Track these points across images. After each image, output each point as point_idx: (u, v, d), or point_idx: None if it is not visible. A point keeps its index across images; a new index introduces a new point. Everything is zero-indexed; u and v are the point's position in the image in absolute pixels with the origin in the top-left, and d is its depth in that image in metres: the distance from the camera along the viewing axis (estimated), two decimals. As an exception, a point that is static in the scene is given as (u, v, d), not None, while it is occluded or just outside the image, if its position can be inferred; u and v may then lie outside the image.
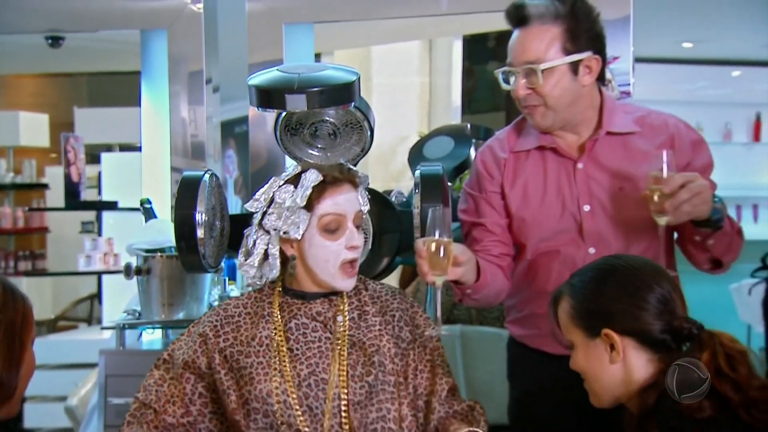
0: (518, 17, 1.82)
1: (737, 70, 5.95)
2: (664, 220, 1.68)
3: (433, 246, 1.61)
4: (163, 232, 2.63)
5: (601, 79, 1.90)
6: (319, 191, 1.62)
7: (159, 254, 2.58)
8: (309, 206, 1.62)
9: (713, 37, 5.02)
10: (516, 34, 1.84)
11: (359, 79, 1.87)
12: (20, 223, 6.49)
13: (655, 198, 1.66)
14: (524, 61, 1.80)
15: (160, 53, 3.16)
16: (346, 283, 1.66)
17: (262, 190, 1.69)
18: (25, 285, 5.76)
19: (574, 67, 1.81)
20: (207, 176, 1.94)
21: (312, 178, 1.63)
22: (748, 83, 6.03)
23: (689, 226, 1.77)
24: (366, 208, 1.72)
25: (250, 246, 1.68)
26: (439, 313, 1.65)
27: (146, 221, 2.80)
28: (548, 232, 1.89)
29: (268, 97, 1.84)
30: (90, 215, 6.22)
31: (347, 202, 1.65)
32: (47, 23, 3.54)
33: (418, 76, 5.69)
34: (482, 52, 5.72)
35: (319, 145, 2.07)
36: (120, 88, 6.78)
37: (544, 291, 1.90)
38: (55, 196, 6.33)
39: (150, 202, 2.85)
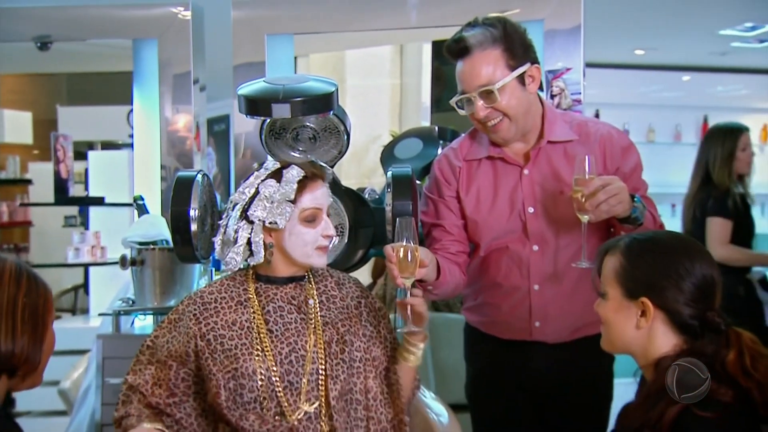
0: (459, 49, 1.95)
1: (687, 75, 6.00)
2: (586, 218, 1.81)
3: (402, 252, 1.72)
4: (155, 226, 2.74)
5: (541, 87, 2.03)
6: (300, 187, 1.77)
7: (152, 247, 2.68)
8: (293, 200, 1.76)
9: (663, 45, 5.09)
10: (461, 64, 1.95)
11: (337, 90, 1.98)
12: (5, 217, 6.52)
13: (578, 198, 1.80)
14: (478, 85, 1.93)
15: (150, 60, 3.26)
16: (322, 260, 1.81)
17: (246, 183, 1.81)
18: (9, 277, 5.78)
19: (521, 79, 1.95)
20: (200, 176, 2.05)
21: (295, 174, 1.77)
22: (697, 87, 6.07)
23: (616, 223, 1.91)
24: (331, 200, 1.86)
25: (232, 236, 1.78)
26: (410, 311, 1.75)
27: (139, 216, 2.89)
28: (498, 231, 2.02)
29: (256, 105, 1.94)
30: (73, 210, 6.27)
31: (323, 196, 1.80)
32: (38, 31, 3.54)
33: (389, 78, 5.72)
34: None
35: (300, 148, 2.17)
36: (100, 87, 6.78)
37: (494, 283, 2.07)
38: (39, 191, 6.36)
39: (143, 199, 2.93)
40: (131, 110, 5.43)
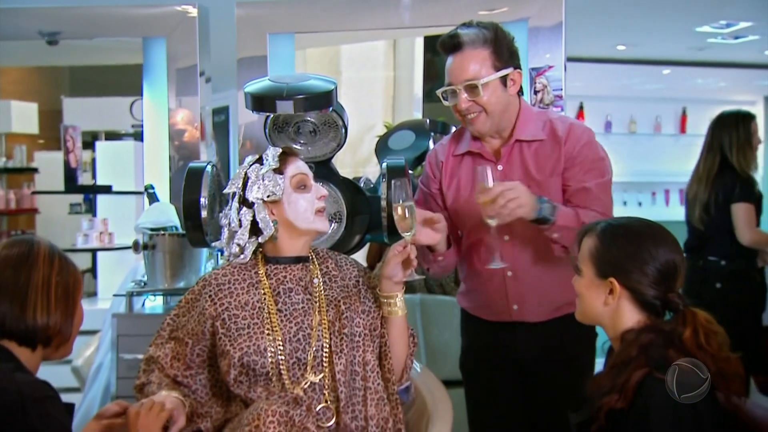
0: (453, 45, 2.06)
1: (667, 69, 6.02)
2: (493, 222, 1.91)
3: (399, 210, 1.85)
4: (165, 213, 2.86)
5: (521, 91, 2.15)
6: (282, 160, 1.90)
7: (162, 232, 2.80)
8: (280, 171, 1.89)
9: (643, 41, 5.15)
10: (451, 59, 2.07)
11: (336, 87, 2.10)
12: (12, 204, 6.61)
13: (482, 204, 1.90)
14: (464, 79, 2.04)
15: (159, 56, 3.35)
16: (324, 223, 1.92)
17: (235, 174, 1.94)
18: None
19: (503, 80, 2.07)
20: (209, 167, 2.17)
21: (272, 151, 1.92)
22: (677, 81, 6.11)
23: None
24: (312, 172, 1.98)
25: (235, 224, 1.89)
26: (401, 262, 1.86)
27: (150, 204, 3.00)
28: (474, 222, 2.12)
29: (261, 102, 2.07)
30: (78, 198, 6.34)
31: (303, 166, 1.94)
32: (48, 28, 3.54)
33: (383, 70, 5.72)
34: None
35: (302, 141, 2.29)
36: (102, 78, 6.81)
37: (475, 271, 2.19)
38: (45, 179, 6.44)
39: (153, 188, 3.04)
40: (134, 101, 5.55)
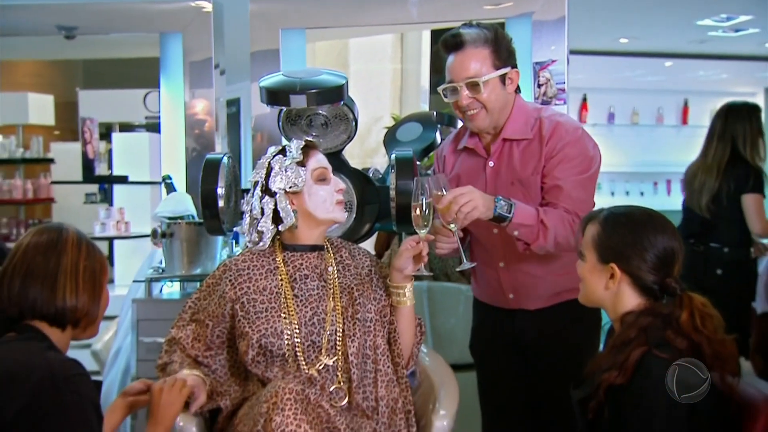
0: (455, 43, 2.11)
1: (669, 61, 6.04)
2: (453, 227, 1.96)
3: (417, 209, 1.89)
4: (182, 202, 2.92)
5: (518, 90, 2.21)
6: (305, 153, 1.98)
7: (180, 221, 2.86)
8: (302, 164, 1.96)
9: (645, 34, 5.17)
10: (453, 57, 2.12)
11: (347, 82, 2.14)
12: (30, 194, 6.68)
13: (439, 212, 1.94)
14: (466, 76, 2.10)
15: (175, 50, 3.41)
16: (342, 214, 2.00)
17: (258, 164, 2.01)
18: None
19: (502, 79, 2.12)
20: (225, 158, 2.21)
21: (296, 143, 1.99)
22: (679, 73, 6.12)
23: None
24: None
25: (257, 212, 1.96)
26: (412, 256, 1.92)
27: (168, 194, 3.06)
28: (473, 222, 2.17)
29: (275, 96, 2.11)
30: (93, 188, 6.41)
31: (324, 160, 2.02)
32: (66, 23, 3.61)
33: (390, 63, 5.79)
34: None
35: (314, 133, 2.32)
36: (114, 71, 6.86)
37: (475, 260, 2.24)
38: (60, 169, 6.50)
39: (171, 178, 3.09)
40: (147, 93, 5.60)
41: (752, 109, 3.50)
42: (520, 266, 2.19)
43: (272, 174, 1.95)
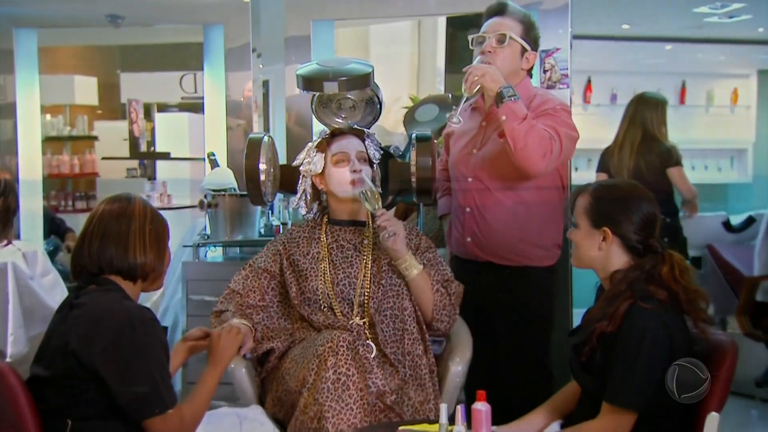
0: (499, 8, 2.37)
1: (669, 45, 6.03)
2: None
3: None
4: (225, 176, 3.10)
5: (530, 73, 2.42)
6: (329, 140, 2.22)
7: (223, 193, 3.04)
8: (323, 149, 2.20)
9: (647, 20, 5.25)
10: (492, 19, 2.36)
11: (373, 70, 2.29)
12: (76, 169, 6.89)
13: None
14: (498, 31, 2.33)
15: (217, 38, 3.54)
16: (356, 190, 2.17)
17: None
18: (82, 221, 6.09)
19: (522, 51, 2.35)
20: (266, 137, 2.36)
21: (323, 132, 2.25)
22: (678, 55, 6.10)
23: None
24: (371, 150, 2.24)
25: (301, 190, 2.25)
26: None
27: (212, 169, 3.23)
28: (456, 172, 2.46)
29: (311, 83, 2.24)
30: (134, 163, 6.57)
31: (349, 144, 2.22)
32: (114, 13, 3.73)
33: (408, 46, 5.83)
34: (464, 20, 5.87)
35: (343, 115, 2.43)
36: (150, 55, 6.98)
37: (452, 206, 2.53)
38: (103, 146, 6.63)
39: (214, 155, 3.27)
40: (183, 75, 5.74)
41: (662, 103, 3.77)
42: (485, 213, 2.40)
43: (306, 158, 2.23)
